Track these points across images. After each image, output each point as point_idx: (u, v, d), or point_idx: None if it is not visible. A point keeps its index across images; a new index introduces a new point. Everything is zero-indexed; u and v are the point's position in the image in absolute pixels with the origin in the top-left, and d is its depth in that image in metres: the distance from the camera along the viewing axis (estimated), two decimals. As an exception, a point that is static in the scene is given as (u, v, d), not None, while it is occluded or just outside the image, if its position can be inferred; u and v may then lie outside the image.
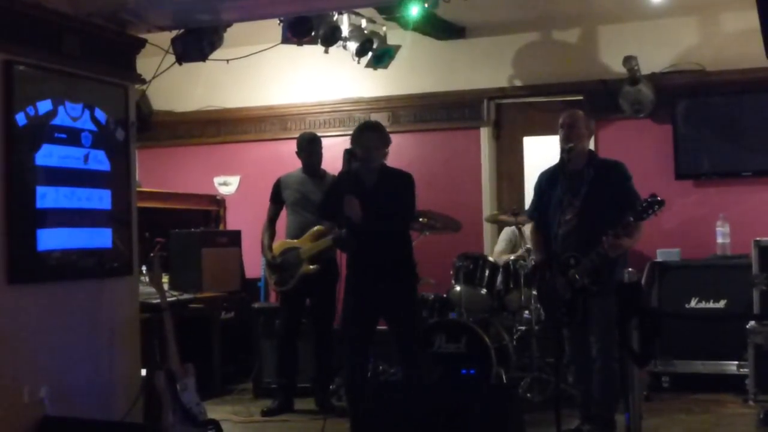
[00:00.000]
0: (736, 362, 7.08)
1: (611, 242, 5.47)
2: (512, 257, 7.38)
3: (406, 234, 5.90)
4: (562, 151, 5.76)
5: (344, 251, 6.01)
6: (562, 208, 5.77)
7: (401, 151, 8.42)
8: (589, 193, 5.74)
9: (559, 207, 5.79)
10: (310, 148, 7.21)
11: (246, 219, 9.05)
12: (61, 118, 5.43)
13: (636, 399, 4.79)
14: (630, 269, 4.73)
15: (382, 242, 5.64)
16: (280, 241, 7.19)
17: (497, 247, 8.04)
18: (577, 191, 5.76)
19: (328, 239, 6.85)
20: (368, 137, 5.74)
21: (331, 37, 7.10)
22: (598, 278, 5.60)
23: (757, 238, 6.58)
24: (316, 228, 7.01)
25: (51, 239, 5.33)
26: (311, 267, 6.99)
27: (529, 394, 6.97)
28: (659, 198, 5.37)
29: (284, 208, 7.28)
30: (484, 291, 7.22)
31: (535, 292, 7.04)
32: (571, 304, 5.70)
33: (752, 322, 6.41)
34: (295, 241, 7.09)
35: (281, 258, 7.09)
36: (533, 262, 6.65)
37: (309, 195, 7.06)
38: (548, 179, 5.97)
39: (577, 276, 5.62)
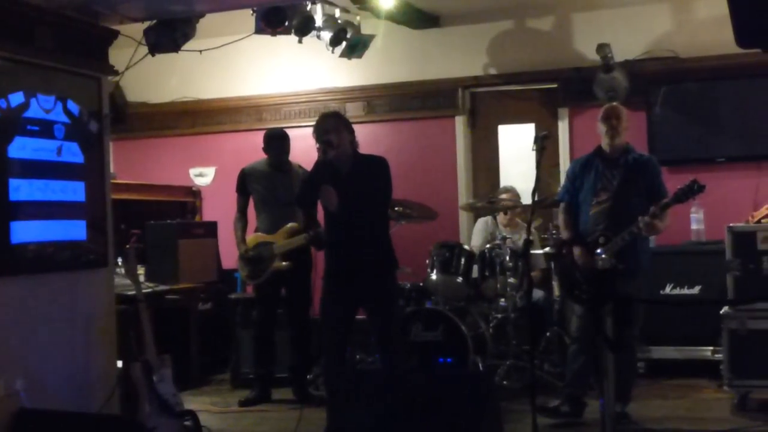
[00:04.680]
0: (711, 348, 7.14)
1: (647, 221, 5.64)
2: (488, 246, 7.39)
3: (384, 222, 5.87)
4: (536, 139, 5.74)
5: (318, 249, 6.04)
6: (596, 191, 6.00)
7: (377, 141, 8.44)
8: (624, 177, 5.96)
9: (592, 190, 6.02)
10: (279, 146, 7.17)
11: (222, 210, 8.99)
12: (34, 111, 5.39)
13: (611, 385, 4.83)
14: (604, 256, 4.76)
15: (361, 231, 5.60)
16: (254, 235, 7.17)
17: (473, 242, 7.99)
18: (612, 176, 5.98)
19: (301, 237, 6.87)
20: (326, 122, 5.53)
21: (304, 27, 7.08)
22: (624, 258, 5.68)
23: (731, 224, 6.60)
24: (290, 225, 7.00)
25: (25, 232, 5.30)
26: (283, 264, 6.97)
27: (506, 382, 7.00)
28: (700, 183, 5.58)
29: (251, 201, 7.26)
30: (460, 279, 7.23)
31: (511, 280, 7.10)
32: (593, 282, 5.75)
33: (726, 308, 6.44)
34: (269, 236, 7.07)
35: (254, 252, 7.08)
36: (556, 239, 6.70)
37: (276, 190, 7.05)
38: (582, 165, 6.16)
39: (604, 255, 5.70)
